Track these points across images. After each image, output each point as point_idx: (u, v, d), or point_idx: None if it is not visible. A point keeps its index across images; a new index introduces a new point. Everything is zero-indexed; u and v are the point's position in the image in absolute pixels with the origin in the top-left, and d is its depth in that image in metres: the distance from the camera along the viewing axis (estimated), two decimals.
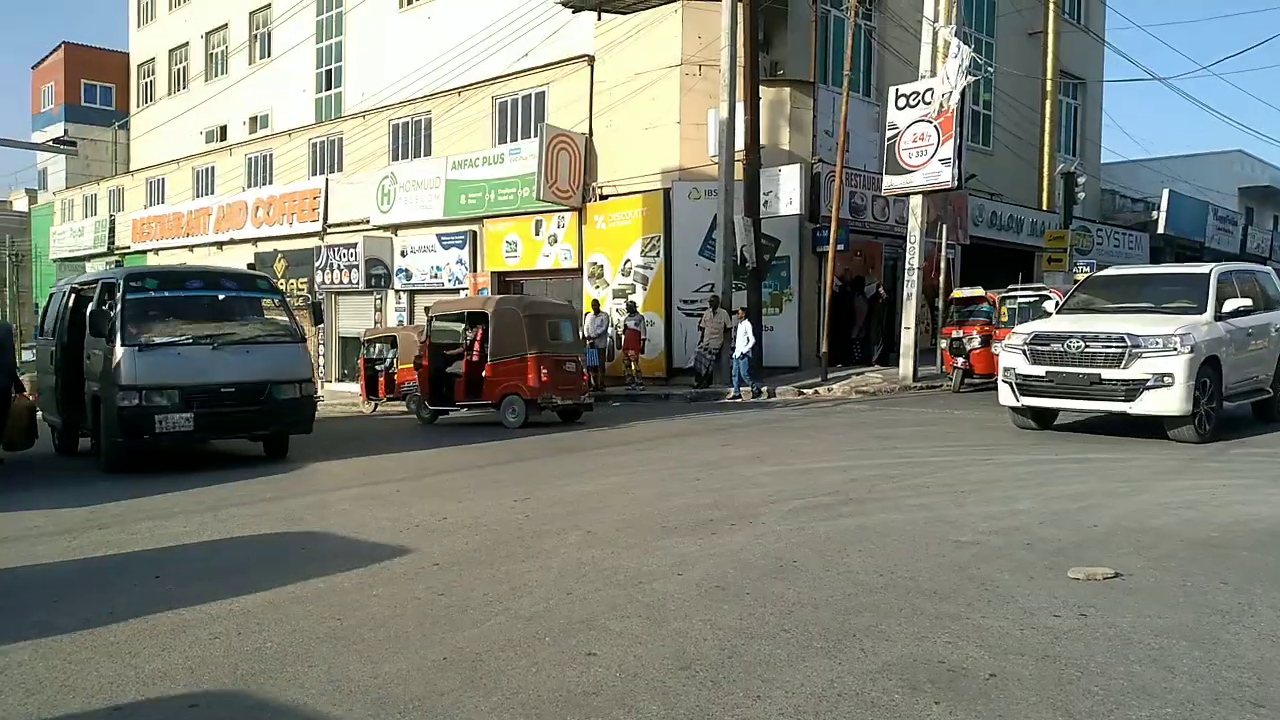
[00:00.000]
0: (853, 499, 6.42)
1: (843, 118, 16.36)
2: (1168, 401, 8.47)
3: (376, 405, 17.69)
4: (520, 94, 20.16)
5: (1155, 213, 27.56)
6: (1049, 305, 13.33)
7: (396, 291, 22.50)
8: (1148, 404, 8.55)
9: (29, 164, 40.63)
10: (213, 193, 28.93)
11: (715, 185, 16.44)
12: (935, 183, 15.69)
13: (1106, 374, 8.68)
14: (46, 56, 40.86)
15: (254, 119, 30.34)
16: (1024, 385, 9.30)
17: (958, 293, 16.25)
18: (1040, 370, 9.15)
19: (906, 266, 16.19)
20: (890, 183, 16.30)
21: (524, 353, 12.67)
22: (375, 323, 22.70)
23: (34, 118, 41.24)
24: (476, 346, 13.58)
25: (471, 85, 20.77)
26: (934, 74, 15.93)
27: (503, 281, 20.27)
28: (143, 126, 36.06)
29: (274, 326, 9.95)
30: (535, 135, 18.50)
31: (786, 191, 17.01)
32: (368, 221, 22.72)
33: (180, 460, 9.92)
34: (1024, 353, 9.27)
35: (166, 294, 9.52)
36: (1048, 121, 23.25)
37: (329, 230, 24.04)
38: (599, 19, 18.77)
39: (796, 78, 18.04)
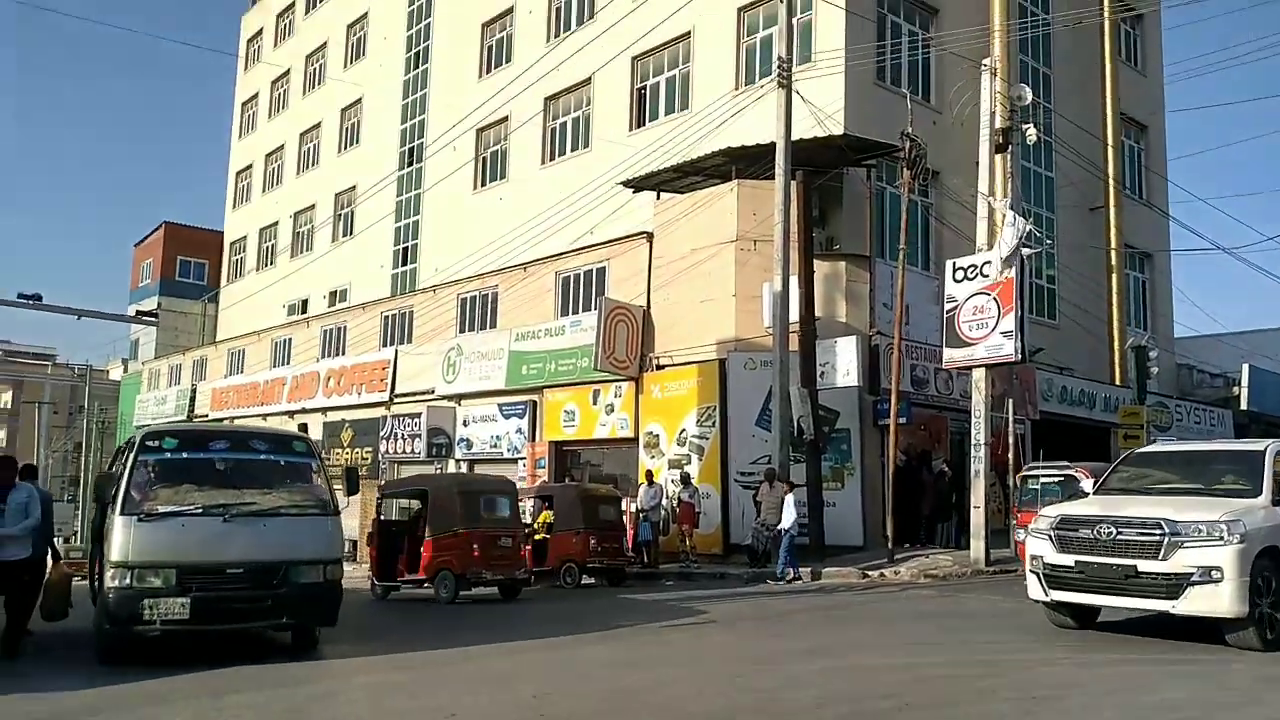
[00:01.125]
0: (911, 704, 5.81)
1: (899, 290, 16.31)
2: (1217, 600, 7.28)
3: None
4: (582, 269, 20.73)
5: (1236, 388, 26.55)
6: (1086, 485, 11.93)
7: (457, 461, 22.58)
8: (1194, 602, 7.35)
9: (124, 335, 42.96)
10: (289, 363, 29.98)
11: (771, 356, 16.35)
12: (997, 356, 15.36)
13: (1144, 566, 7.57)
14: (149, 235, 44.06)
15: (333, 293, 31.78)
16: (1052, 577, 8.17)
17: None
18: (1069, 559, 8.02)
19: (972, 442, 15.65)
20: (950, 356, 16.03)
21: (457, 528, 13.14)
22: None
23: (132, 292, 44.04)
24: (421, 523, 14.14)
25: (536, 261, 21.47)
26: (990, 247, 15.92)
27: (560, 451, 20.23)
28: (230, 300, 38.08)
29: (302, 496, 8.60)
30: (595, 308, 18.85)
31: (843, 363, 16.81)
32: (432, 392, 23.14)
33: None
34: (1050, 539, 8.21)
35: (185, 455, 8.39)
36: (1115, 295, 22.90)
37: (395, 400, 24.51)
38: (658, 198, 19.43)
39: (851, 251, 18.20)
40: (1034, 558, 8.41)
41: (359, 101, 32.54)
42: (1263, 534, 7.59)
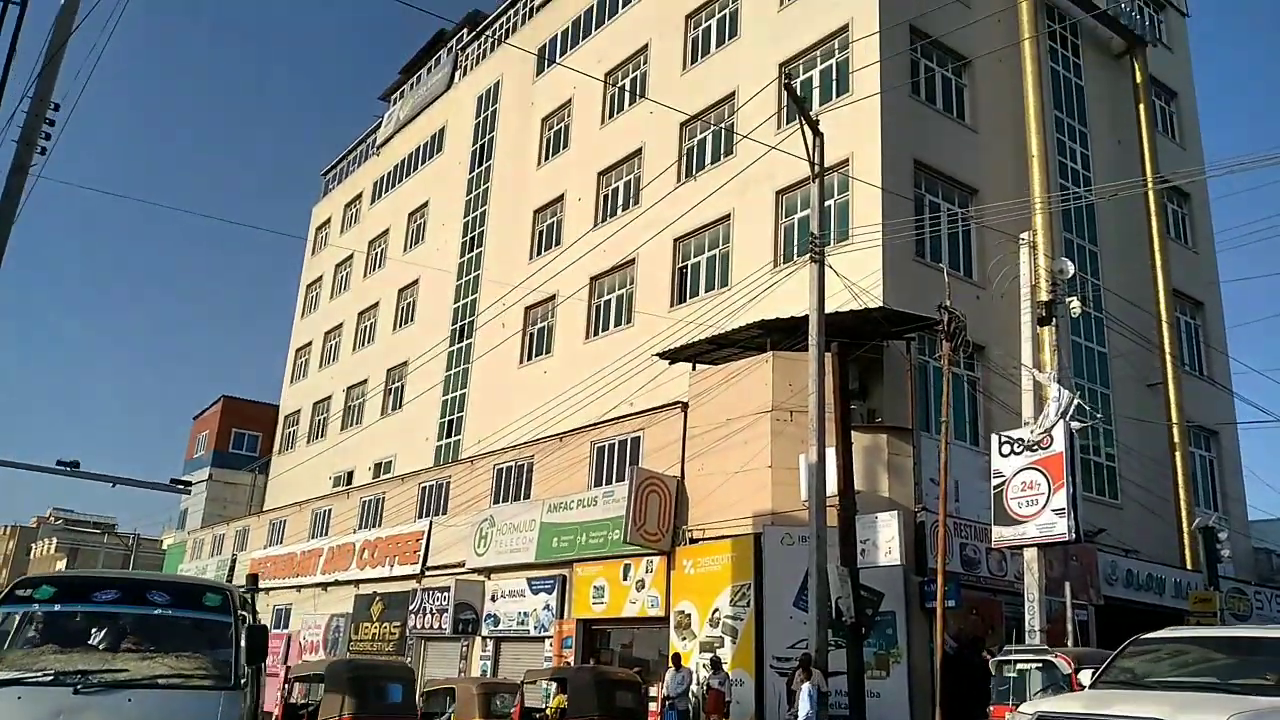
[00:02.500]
0: None
1: (942, 465, 15.59)
2: None
3: None
4: (616, 439, 20.42)
5: None
6: (1084, 676, 9.69)
7: (484, 638, 21.62)
8: None
9: (175, 505, 43.49)
10: (327, 534, 29.73)
11: (809, 531, 15.54)
12: (1049, 535, 14.42)
13: None
14: (207, 408, 45.33)
15: (379, 464, 31.89)
16: None
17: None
18: None
19: (1026, 628, 14.44)
20: (1000, 534, 15.11)
21: (341, 713, 12.88)
22: (460, 673, 21.64)
23: (186, 462, 44.88)
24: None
25: (572, 431, 21.27)
26: (1037, 421, 15.29)
27: (588, 630, 19.24)
28: (279, 470, 38.49)
29: (196, 664, 6.79)
30: (627, 478, 18.38)
31: (884, 540, 15.91)
32: (463, 565, 22.52)
33: None
34: None
35: (59, 607, 6.91)
36: (1180, 474, 21.70)
37: (426, 573, 23.89)
38: (693, 369, 19.29)
39: (894, 425, 17.64)
40: None
41: (415, 282, 33.77)
42: None
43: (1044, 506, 14.49)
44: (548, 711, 15.17)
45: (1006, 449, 15.22)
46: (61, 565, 61.24)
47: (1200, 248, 26.49)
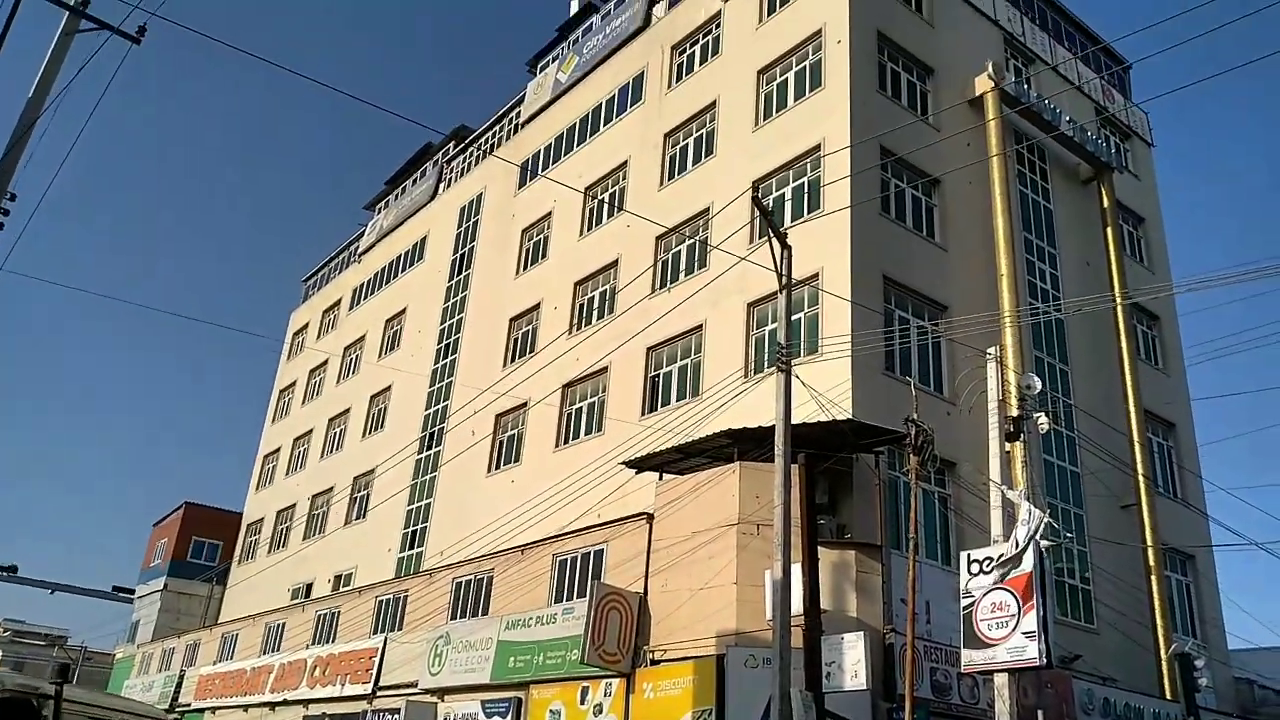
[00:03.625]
0: None
1: (910, 584, 15.04)
2: None
3: None
4: (579, 551, 19.76)
5: None
6: None
7: None
8: None
9: (128, 616, 41.78)
10: (279, 649, 28.45)
11: (773, 653, 14.83)
12: (1020, 659, 13.77)
13: None
14: (168, 515, 44.15)
15: (339, 576, 30.87)
16: None
17: None
18: None
19: None
20: (970, 658, 14.43)
21: None
22: None
23: (143, 571, 43.40)
24: None
25: (534, 543, 20.61)
26: (1007, 539, 14.87)
27: None
28: (238, 580, 37.22)
29: None
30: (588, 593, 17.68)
31: (851, 663, 15.18)
32: (415, 685, 21.40)
33: None
34: None
35: None
36: (1156, 599, 21.08)
37: (378, 694, 22.71)
38: (660, 479, 18.85)
39: (863, 541, 17.14)
40: None
41: (388, 388, 33.49)
42: None
43: (1014, 629, 13.91)
44: None
45: (975, 568, 14.73)
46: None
47: (1171, 369, 26.57)
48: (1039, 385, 16.60)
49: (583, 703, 17.62)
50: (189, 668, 32.49)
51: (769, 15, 23.90)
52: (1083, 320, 23.62)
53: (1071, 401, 22.27)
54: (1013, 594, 13.99)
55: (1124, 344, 23.95)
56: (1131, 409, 23.15)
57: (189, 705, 30.56)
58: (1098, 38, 29.56)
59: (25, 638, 58.69)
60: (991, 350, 16.90)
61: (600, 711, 17.26)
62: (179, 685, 31.74)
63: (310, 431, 37.93)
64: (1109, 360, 23.88)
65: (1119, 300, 23.96)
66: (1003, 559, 14.44)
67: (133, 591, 36.50)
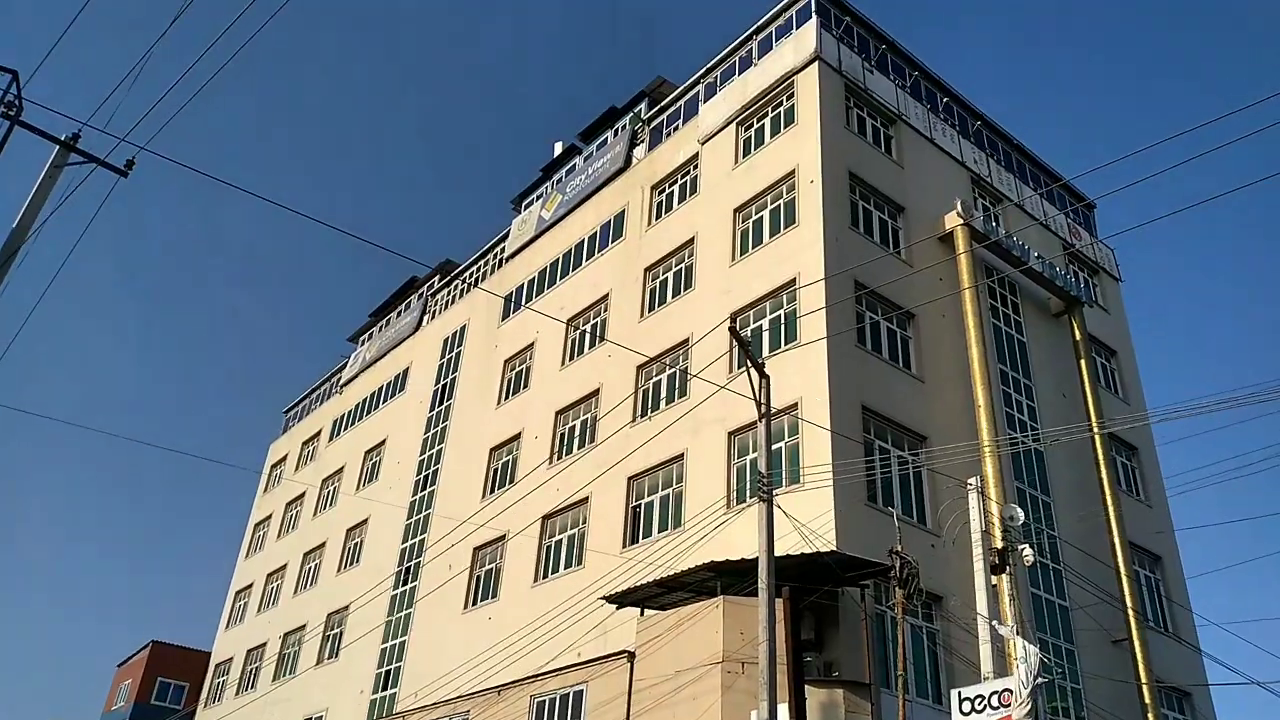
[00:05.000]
0: None
1: None
2: None
3: None
4: (559, 692, 19.10)
5: None
6: None
7: None
8: None
9: None
10: None
11: None
12: None
13: None
14: (133, 655, 42.49)
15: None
16: None
17: None
18: None
19: None
20: None
21: None
22: None
23: (103, 715, 41.40)
24: None
25: (512, 683, 19.93)
26: (996, 674, 14.51)
27: None
28: None
29: None
30: None
31: None
32: None
33: None
34: None
35: None
36: None
37: None
38: (641, 614, 18.41)
39: (851, 679, 16.65)
40: None
41: (365, 521, 32.96)
42: None
43: None
44: None
45: (967, 706, 14.31)
46: None
47: (1153, 500, 26.55)
48: (1022, 516, 16.54)
49: None
50: None
51: (744, 156, 24.91)
52: (1062, 451, 23.74)
53: (1055, 533, 22.13)
54: None
55: (1104, 474, 23.97)
56: (1116, 541, 22.98)
57: None
58: (1059, 175, 30.87)
59: None
60: (973, 480, 16.90)
61: None
62: None
63: (284, 566, 37.04)
64: (1090, 491, 23.88)
65: (1095, 430, 24.15)
66: (994, 696, 14.05)
67: None
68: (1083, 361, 25.71)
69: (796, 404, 19.40)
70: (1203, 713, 23.62)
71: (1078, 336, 26.16)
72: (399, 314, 40.18)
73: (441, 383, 33.54)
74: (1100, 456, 24.11)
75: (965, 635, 17.50)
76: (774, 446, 17.00)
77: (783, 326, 21.25)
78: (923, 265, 22.84)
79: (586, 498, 23.59)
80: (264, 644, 35.05)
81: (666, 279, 25.87)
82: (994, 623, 15.06)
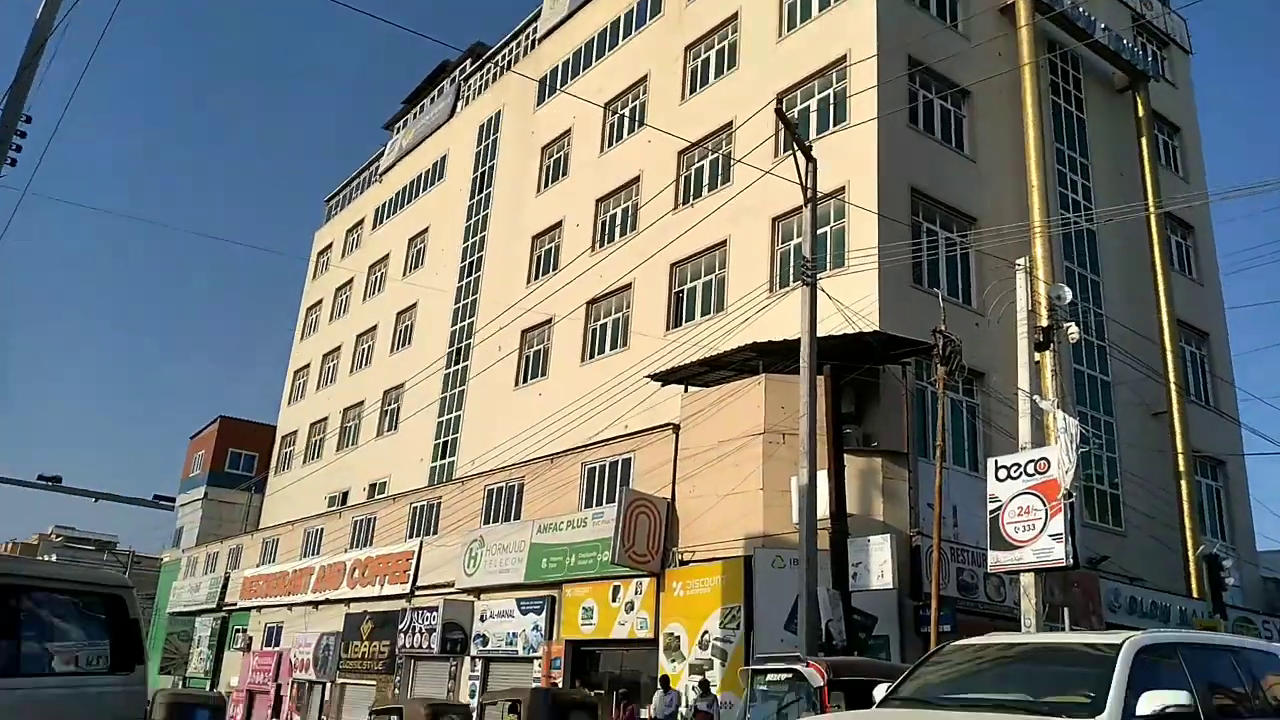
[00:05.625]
0: None
1: (937, 489, 15.37)
2: None
3: None
4: (607, 460, 20.24)
5: None
6: (878, 692, 6.84)
7: (473, 658, 21.35)
8: None
9: (172, 524, 43.32)
10: (319, 553, 29.49)
11: (799, 554, 15.29)
12: (1046, 560, 14.07)
13: None
14: (204, 429, 45.27)
15: (373, 485, 31.71)
16: None
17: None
18: None
19: None
20: (996, 559, 14.76)
21: None
22: (448, 692, 21.35)
23: (183, 481, 44.77)
24: None
25: (564, 453, 21.09)
26: (1034, 445, 15.11)
27: (577, 651, 18.97)
28: (275, 489, 38.30)
29: None
30: (617, 500, 18.18)
31: (877, 563, 15.63)
32: (452, 585, 22.25)
33: None
34: None
35: None
36: (1186, 503, 21.45)
37: (416, 593, 23.61)
38: (685, 391, 19.14)
39: (889, 449, 17.45)
40: None
41: (414, 306, 33.78)
42: None
43: (1041, 531, 14.17)
44: None
45: (1003, 474, 14.97)
46: None
47: (1204, 279, 26.40)
48: (1069, 296, 16.56)
49: (614, 600, 18.31)
50: (233, 570, 33.80)
51: None
52: (1114, 231, 23.42)
53: (1102, 311, 22.24)
54: (1040, 498, 14.24)
55: (1157, 254, 23.78)
56: (1164, 318, 23.12)
57: (235, 605, 31.88)
58: None
59: (77, 543, 60.97)
60: (1021, 261, 16.86)
61: (632, 608, 17.93)
62: (225, 586, 33.08)
63: (339, 348, 38.47)
64: (1141, 269, 23.75)
65: (1152, 210, 23.69)
66: (1030, 464, 14.67)
67: (173, 500, 37.71)
68: (1144, 139, 24.83)
69: (844, 187, 19.12)
70: (1235, 479, 24.60)
71: (1141, 113, 25.11)
72: (432, 100, 39.31)
73: (480, 170, 33.27)
74: (1154, 235, 23.84)
75: (1005, 410, 18.05)
76: (819, 231, 16.94)
77: (831, 106, 20.59)
78: (981, 39, 21.70)
79: (630, 284, 23.91)
80: (325, 418, 37.05)
81: (708, 58, 24.87)
82: (1035, 397, 15.48)
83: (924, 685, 6.36)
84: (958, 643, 7.22)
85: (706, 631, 16.42)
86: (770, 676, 9.36)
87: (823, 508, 15.23)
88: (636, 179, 25.31)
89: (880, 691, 6.52)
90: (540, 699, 15.12)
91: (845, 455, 16.54)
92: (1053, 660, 6.35)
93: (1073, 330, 16.35)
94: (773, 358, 17.74)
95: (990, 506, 15.05)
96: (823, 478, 15.46)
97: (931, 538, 15.64)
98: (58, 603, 6.26)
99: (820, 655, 11.83)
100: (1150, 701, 5.23)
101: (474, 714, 16.33)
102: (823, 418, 15.76)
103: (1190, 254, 26.47)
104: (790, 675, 8.94)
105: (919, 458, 17.36)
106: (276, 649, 29.25)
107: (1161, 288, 23.41)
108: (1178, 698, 5.30)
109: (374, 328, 36.19)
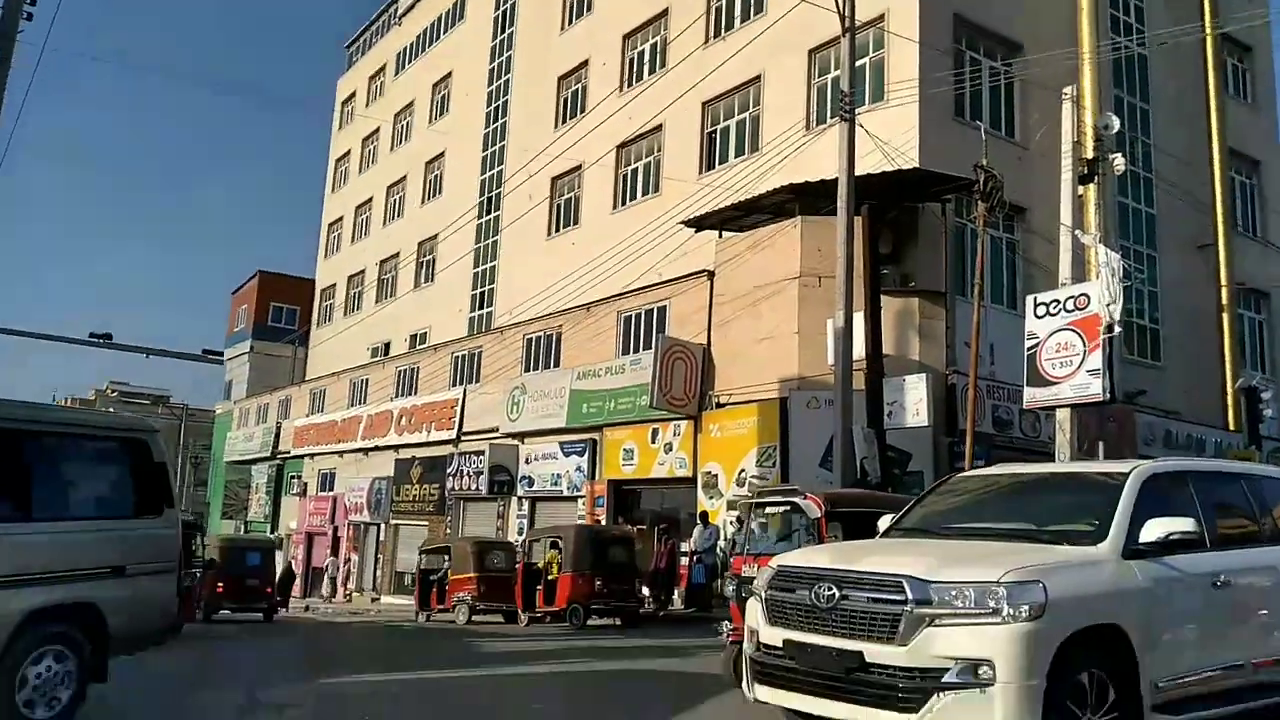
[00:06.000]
0: None
1: (974, 327, 15.35)
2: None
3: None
4: (643, 308, 20.40)
5: None
6: (883, 522, 6.60)
7: (519, 498, 22.33)
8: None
9: (222, 378, 44.83)
10: (365, 402, 30.45)
11: (835, 394, 15.51)
12: (1083, 395, 14.13)
13: (874, 652, 4.75)
14: (244, 284, 45.96)
15: (414, 336, 32.30)
16: (760, 664, 5.40)
17: None
18: (777, 637, 5.27)
19: None
20: (1033, 395, 14.84)
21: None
22: (497, 530, 22.48)
23: (228, 336, 45.88)
24: None
25: (600, 301, 21.24)
26: (1074, 281, 14.91)
27: (619, 490, 19.78)
28: (318, 342, 39.17)
29: None
30: (654, 346, 18.42)
31: (913, 402, 15.84)
32: (496, 430, 23.01)
33: None
34: (763, 603, 5.48)
35: None
36: (1226, 336, 21.27)
37: (462, 438, 24.46)
38: (720, 236, 18.98)
39: (927, 288, 17.33)
40: (751, 631, 5.57)
41: (442, 155, 33.33)
42: (1088, 604, 4.87)
43: (1079, 367, 14.16)
44: (540, 565, 16.24)
45: (1042, 310, 14.83)
46: None
47: (1261, 104, 25.20)
48: (1117, 125, 15.93)
49: (653, 442, 18.89)
50: (284, 420, 35.12)
51: None
52: (1167, 55, 22.20)
53: (1151, 141, 21.42)
54: (1079, 334, 14.15)
55: (1212, 78, 22.61)
56: (1215, 146, 22.24)
57: (288, 453, 33.31)
58: None
59: (132, 398, 63.45)
60: (1068, 90, 16.11)
61: (671, 449, 18.51)
62: (277, 436, 34.47)
63: (370, 200, 38.33)
64: (1194, 96, 22.67)
65: (1209, 31, 22.36)
66: (1069, 300, 14.53)
67: (221, 354, 38.79)
68: None
69: (883, 15, 18.22)
70: (1278, 312, 24.25)
71: None
72: None
73: (501, 8, 31.96)
74: (1210, 58, 22.61)
75: (1046, 246, 17.69)
76: (858, 63, 16.24)
77: None
78: None
79: (660, 125, 23.28)
80: (362, 271, 37.38)
81: None
82: (1076, 231, 15.16)
83: (928, 515, 6.31)
84: (965, 473, 7.03)
85: (743, 470, 16.93)
86: (769, 509, 9.32)
87: (859, 349, 15.30)
88: (665, 12, 24.23)
89: (885, 522, 6.51)
90: (580, 534, 16.05)
91: (882, 296, 16.48)
92: (1060, 490, 6.33)
93: (1118, 161, 15.82)
94: (809, 199, 17.42)
95: (1028, 343, 15.00)
96: (859, 319, 15.46)
97: (966, 375, 15.76)
98: (73, 448, 6.33)
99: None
100: (1154, 529, 5.22)
101: (520, 549, 17.27)
102: (860, 259, 15.60)
103: (1247, 77, 25.14)
104: (788, 507, 8.87)
105: (957, 296, 17.24)
106: (331, 494, 30.73)
107: (1214, 113, 22.41)
108: (1183, 524, 5.29)
109: (404, 178, 35.89)
